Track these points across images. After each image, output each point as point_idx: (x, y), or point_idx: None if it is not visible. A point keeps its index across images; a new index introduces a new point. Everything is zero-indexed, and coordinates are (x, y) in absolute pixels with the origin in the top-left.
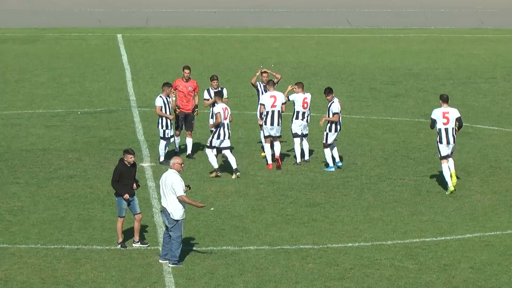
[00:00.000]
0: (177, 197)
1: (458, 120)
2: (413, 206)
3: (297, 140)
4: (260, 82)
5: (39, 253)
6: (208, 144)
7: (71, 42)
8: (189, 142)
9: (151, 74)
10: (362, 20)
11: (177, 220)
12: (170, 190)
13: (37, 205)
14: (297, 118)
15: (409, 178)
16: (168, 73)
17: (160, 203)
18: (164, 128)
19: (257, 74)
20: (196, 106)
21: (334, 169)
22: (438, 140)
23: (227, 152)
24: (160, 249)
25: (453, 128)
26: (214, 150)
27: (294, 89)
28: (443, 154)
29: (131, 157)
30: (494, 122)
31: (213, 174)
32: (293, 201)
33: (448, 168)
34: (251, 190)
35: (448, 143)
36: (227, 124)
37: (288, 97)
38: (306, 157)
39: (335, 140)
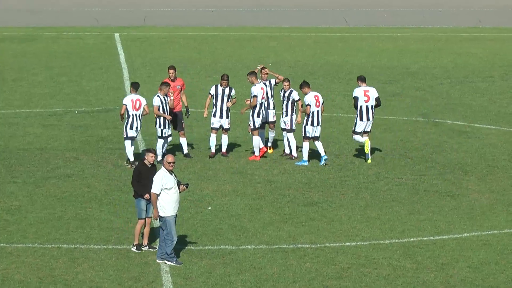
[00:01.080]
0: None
1: (377, 99)
2: (411, 205)
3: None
4: (260, 80)
5: (37, 252)
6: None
7: (69, 41)
8: (183, 141)
9: (148, 73)
10: (359, 19)
11: (163, 217)
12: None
13: (35, 204)
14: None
15: (406, 177)
16: (165, 72)
17: None
18: (162, 127)
19: (256, 70)
20: (187, 110)
21: (307, 164)
22: (358, 117)
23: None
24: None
25: (372, 106)
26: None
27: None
28: (359, 130)
29: (152, 156)
30: (492, 121)
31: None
32: (290, 200)
33: (363, 140)
34: (249, 189)
35: (367, 119)
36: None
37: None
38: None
39: (316, 135)
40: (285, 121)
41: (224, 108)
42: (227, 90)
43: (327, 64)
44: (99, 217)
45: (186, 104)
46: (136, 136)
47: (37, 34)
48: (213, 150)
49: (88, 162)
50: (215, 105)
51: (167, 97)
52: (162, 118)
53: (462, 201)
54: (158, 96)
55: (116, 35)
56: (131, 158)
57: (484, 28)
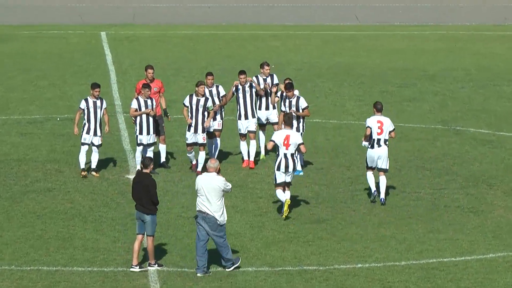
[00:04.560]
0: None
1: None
2: (430, 223)
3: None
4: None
5: (13, 275)
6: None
7: (49, 41)
8: (162, 148)
9: (138, 76)
10: (372, 16)
11: (223, 224)
12: (217, 193)
13: (11, 222)
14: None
15: (425, 191)
16: (157, 75)
17: (200, 209)
18: (138, 132)
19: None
20: (166, 112)
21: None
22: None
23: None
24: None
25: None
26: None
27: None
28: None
29: (143, 168)
30: None
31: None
32: (296, 217)
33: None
34: (250, 205)
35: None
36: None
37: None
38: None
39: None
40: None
41: (200, 122)
42: (202, 100)
43: (336, 65)
44: (83, 236)
45: (164, 107)
46: (90, 143)
47: (12, 33)
48: (193, 162)
49: (71, 175)
50: (191, 117)
51: (149, 100)
52: (138, 123)
53: (486, 218)
54: (137, 98)
55: (103, 33)
56: (81, 166)
57: (510, 26)
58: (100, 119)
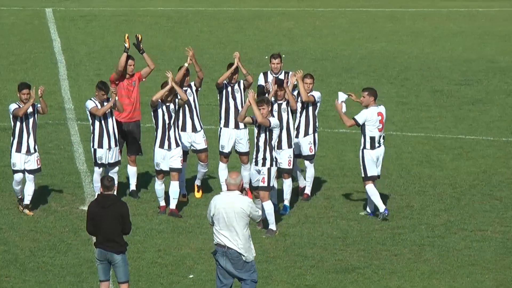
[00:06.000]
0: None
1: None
2: (500, 272)
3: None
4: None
5: None
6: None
7: None
8: (131, 172)
9: (97, 69)
10: None
11: (250, 261)
12: (242, 220)
13: None
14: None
15: (493, 228)
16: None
17: (218, 241)
18: (97, 146)
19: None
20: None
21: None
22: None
23: None
24: None
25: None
26: None
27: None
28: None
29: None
30: None
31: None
32: (315, 265)
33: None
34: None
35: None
36: None
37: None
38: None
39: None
40: (301, 142)
41: (172, 135)
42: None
43: (370, 55)
44: None
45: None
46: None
47: None
48: (161, 203)
49: (4, 207)
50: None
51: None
52: (97, 131)
53: None
54: (91, 99)
55: (48, 10)
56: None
57: None
58: (35, 131)
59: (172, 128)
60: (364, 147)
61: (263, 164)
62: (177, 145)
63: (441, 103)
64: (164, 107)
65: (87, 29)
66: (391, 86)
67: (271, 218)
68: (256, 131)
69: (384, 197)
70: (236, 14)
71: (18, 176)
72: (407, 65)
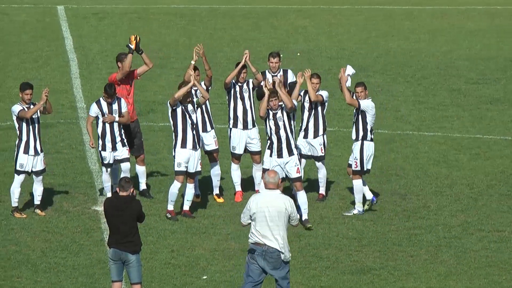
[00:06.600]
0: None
1: None
2: None
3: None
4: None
5: None
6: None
7: None
8: (140, 172)
9: (110, 67)
10: None
11: (288, 261)
12: (283, 218)
13: None
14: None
15: (510, 229)
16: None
17: (256, 240)
18: (101, 148)
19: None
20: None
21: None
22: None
23: None
24: None
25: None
26: None
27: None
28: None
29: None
30: None
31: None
32: (330, 266)
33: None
34: None
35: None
36: None
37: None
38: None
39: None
40: (312, 143)
41: (196, 136)
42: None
43: (386, 53)
44: None
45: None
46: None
47: None
48: (171, 208)
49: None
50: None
51: (115, 103)
52: (100, 133)
53: None
54: (98, 101)
55: (60, 8)
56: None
57: None
58: (40, 131)
59: (194, 128)
60: (365, 138)
61: (291, 153)
62: (199, 146)
63: (459, 102)
64: (182, 107)
65: (99, 27)
66: (407, 85)
67: (307, 207)
68: (270, 123)
69: (400, 197)
70: (251, 11)
71: (22, 177)
72: (424, 63)
